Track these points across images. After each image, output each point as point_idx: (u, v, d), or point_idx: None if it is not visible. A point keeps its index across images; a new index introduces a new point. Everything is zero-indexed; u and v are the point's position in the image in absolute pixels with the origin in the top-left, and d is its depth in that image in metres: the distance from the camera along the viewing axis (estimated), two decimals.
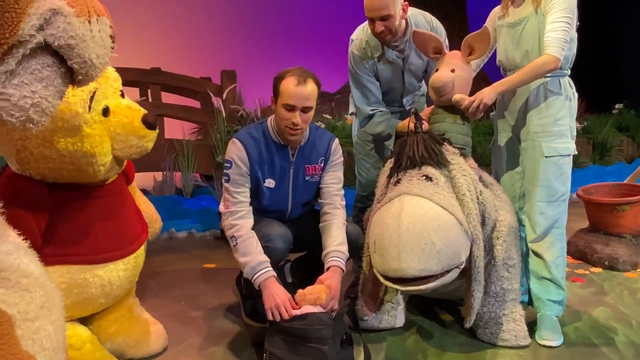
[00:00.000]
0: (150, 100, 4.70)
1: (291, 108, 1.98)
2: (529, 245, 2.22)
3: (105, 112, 1.68)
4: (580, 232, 3.30)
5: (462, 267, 1.79)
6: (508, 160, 2.37)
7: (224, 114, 4.47)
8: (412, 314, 2.35)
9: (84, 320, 1.88)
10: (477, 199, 1.93)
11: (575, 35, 2.12)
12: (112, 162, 1.73)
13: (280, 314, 1.81)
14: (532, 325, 2.15)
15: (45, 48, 1.03)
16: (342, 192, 2.21)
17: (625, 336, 2.13)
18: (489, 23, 2.32)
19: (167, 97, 5.03)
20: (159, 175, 4.64)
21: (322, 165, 2.18)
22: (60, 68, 1.06)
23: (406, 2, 2.28)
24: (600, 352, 2.00)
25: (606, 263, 3.01)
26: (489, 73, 2.71)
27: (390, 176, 2.00)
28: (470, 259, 1.84)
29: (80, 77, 1.10)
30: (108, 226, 1.78)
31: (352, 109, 2.76)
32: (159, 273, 3.00)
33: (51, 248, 1.63)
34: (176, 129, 4.85)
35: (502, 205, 2.16)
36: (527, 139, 2.21)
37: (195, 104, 5.19)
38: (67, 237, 1.68)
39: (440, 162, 1.92)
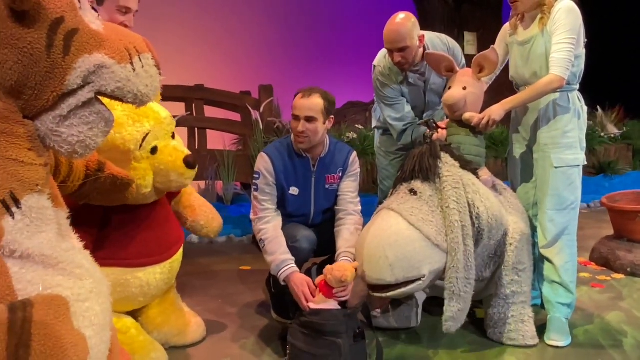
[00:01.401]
0: (194, 114, 5.05)
1: (296, 117, 2.24)
2: (540, 250, 2.34)
3: (154, 150, 1.91)
4: (605, 239, 3.35)
5: (424, 279, 1.97)
6: (522, 170, 2.50)
7: (261, 126, 4.75)
8: (429, 316, 2.50)
9: (136, 312, 2.16)
10: (476, 208, 2.05)
11: (582, 52, 2.24)
12: (152, 192, 1.96)
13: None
14: (544, 327, 2.27)
15: (95, 99, 1.24)
16: (358, 199, 2.42)
17: (634, 339, 2.22)
18: (500, 38, 2.46)
19: (211, 111, 5.38)
20: (202, 184, 4.97)
21: (340, 175, 2.40)
22: (104, 114, 1.28)
23: (422, 34, 2.46)
24: (606, 353, 2.11)
25: (628, 269, 3.06)
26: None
27: (393, 187, 2.21)
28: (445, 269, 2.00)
29: (136, 105, 1.33)
30: (148, 236, 2.03)
31: (374, 123, 2.95)
32: (200, 273, 3.29)
33: (100, 252, 1.87)
34: (218, 141, 5.18)
35: (515, 213, 2.29)
36: (538, 150, 2.34)
37: (236, 116, 5.50)
38: (114, 244, 1.95)
39: (429, 177, 2.09)
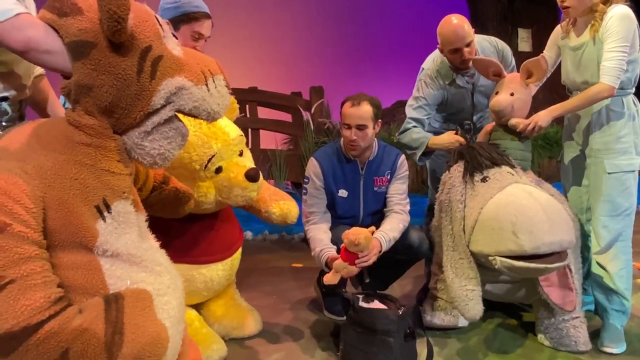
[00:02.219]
0: (248, 116, 5.24)
1: (348, 126, 2.32)
2: (594, 257, 2.32)
3: (218, 170, 1.99)
4: None
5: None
6: (574, 175, 2.48)
7: (312, 127, 4.88)
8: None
9: (199, 306, 2.32)
10: None
11: (638, 56, 2.19)
12: (213, 207, 2.07)
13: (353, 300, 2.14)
14: (599, 334, 2.25)
15: (174, 116, 1.38)
16: (406, 201, 2.48)
17: None
18: (552, 40, 2.43)
19: (264, 112, 5.56)
20: None
21: (388, 177, 2.47)
22: (182, 130, 1.41)
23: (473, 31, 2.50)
24: None
25: None
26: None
27: (471, 176, 2.22)
28: None
29: (208, 121, 1.47)
30: (211, 236, 2.16)
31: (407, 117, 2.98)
32: (254, 270, 3.44)
33: (169, 251, 2.02)
34: (270, 140, 5.36)
35: None
36: (591, 155, 2.32)
37: (288, 117, 5.67)
38: (181, 243, 2.08)
39: (512, 164, 2.20)
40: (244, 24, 7.50)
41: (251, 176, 1.98)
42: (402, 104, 7.26)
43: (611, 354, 2.16)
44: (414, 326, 2.07)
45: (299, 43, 7.84)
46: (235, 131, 2.06)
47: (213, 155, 1.95)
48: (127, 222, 1.35)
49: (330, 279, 2.12)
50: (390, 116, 6.69)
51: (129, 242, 1.34)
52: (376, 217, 2.53)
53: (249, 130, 5.13)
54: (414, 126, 2.63)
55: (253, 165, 2.07)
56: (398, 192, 2.49)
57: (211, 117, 1.42)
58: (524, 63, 2.32)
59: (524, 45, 6.91)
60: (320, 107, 5.16)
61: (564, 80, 2.39)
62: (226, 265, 2.23)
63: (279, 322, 2.58)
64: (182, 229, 2.10)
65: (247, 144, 5.02)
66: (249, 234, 4.24)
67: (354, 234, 2.06)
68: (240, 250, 2.35)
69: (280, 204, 2.28)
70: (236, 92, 5.44)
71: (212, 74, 1.40)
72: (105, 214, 1.28)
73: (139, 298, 1.26)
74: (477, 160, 2.19)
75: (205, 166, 1.96)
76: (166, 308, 1.33)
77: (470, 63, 2.51)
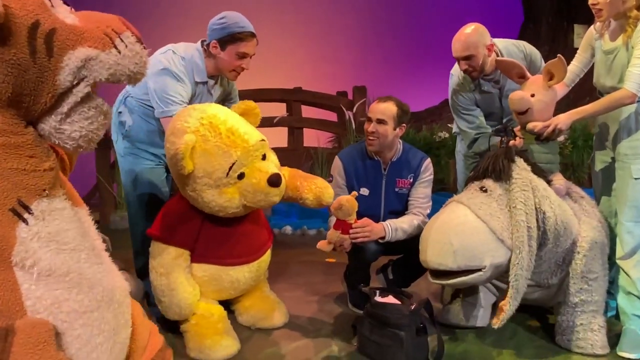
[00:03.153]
0: (292, 115, 5.43)
1: (369, 119, 2.47)
2: (617, 261, 2.30)
3: (241, 176, 2.07)
4: None
5: (485, 270, 2.02)
6: (605, 179, 2.47)
7: (353, 126, 4.99)
8: None
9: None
10: (542, 213, 2.09)
11: None
12: (240, 211, 2.15)
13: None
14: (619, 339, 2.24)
15: (92, 93, 1.25)
16: (427, 204, 2.55)
17: None
18: (587, 40, 2.44)
19: (310, 111, 5.74)
20: None
21: (411, 180, 2.55)
22: (102, 107, 1.29)
23: (491, 44, 2.51)
24: None
25: None
26: None
27: (465, 185, 2.32)
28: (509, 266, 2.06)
29: (131, 84, 1.32)
30: (238, 240, 2.29)
31: (455, 128, 3.04)
32: (289, 263, 3.61)
33: (199, 251, 2.22)
34: (314, 139, 5.53)
35: (588, 221, 2.29)
36: (619, 160, 2.31)
37: (333, 116, 5.81)
38: (211, 245, 2.24)
39: (501, 177, 2.16)
40: (290, 26, 7.73)
41: (273, 182, 2.07)
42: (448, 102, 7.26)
43: (629, 359, 2.15)
44: (427, 322, 2.15)
45: (344, 44, 7.98)
46: (254, 137, 2.12)
47: (234, 163, 2.03)
48: (60, 219, 1.28)
49: (322, 245, 2.34)
50: (437, 115, 6.69)
51: (64, 244, 1.26)
52: (396, 216, 2.62)
53: (293, 129, 5.32)
54: (476, 134, 2.71)
55: (276, 170, 2.14)
56: (420, 197, 2.57)
57: (132, 79, 1.30)
58: (545, 64, 2.33)
59: (580, 41, 6.66)
60: (362, 107, 5.25)
61: (595, 82, 2.38)
62: (252, 268, 2.35)
63: (304, 312, 2.72)
64: (211, 231, 2.23)
65: (292, 142, 5.27)
66: (288, 229, 4.43)
67: (337, 200, 2.23)
68: (268, 253, 2.45)
69: (312, 189, 2.28)
70: (282, 93, 5.75)
71: (117, 33, 1.26)
72: (26, 215, 1.21)
73: (33, 334, 1.16)
74: (482, 166, 2.23)
75: (227, 174, 2.04)
76: (97, 324, 1.29)
77: (479, 74, 2.55)
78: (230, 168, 2.04)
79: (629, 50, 2.15)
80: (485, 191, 2.17)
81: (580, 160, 5.16)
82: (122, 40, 1.25)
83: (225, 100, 2.68)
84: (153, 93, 2.32)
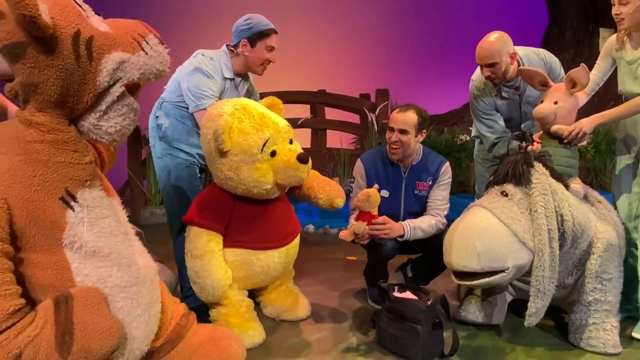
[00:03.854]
0: (316, 116, 5.57)
1: (391, 129, 2.58)
2: None
3: (273, 154, 2.24)
4: None
5: (508, 271, 2.10)
6: (625, 182, 2.55)
7: (375, 128, 5.10)
8: (514, 316, 2.65)
9: (257, 290, 2.63)
10: (563, 216, 2.18)
11: None
12: (273, 188, 2.29)
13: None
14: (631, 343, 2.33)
15: (124, 93, 1.41)
16: (444, 206, 2.65)
17: None
18: (606, 51, 2.51)
19: (334, 113, 5.87)
20: None
21: (430, 183, 2.65)
22: (133, 105, 1.45)
23: (514, 52, 2.60)
24: None
25: None
26: None
27: (485, 189, 2.40)
28: (531, 269, 2.14)
29: (158, 79, 1.48)
30: (268, 226, 2.42)
31: (474, 132, 3.12)
32: (311, 260, 3.75)
33: (231, 236, 2.36)
34: (337, 140, 5.66)
35: (605, 224, 2.35)
36: None
37: (356, 117, 5.93)
38: (241, 229, 2.38)
39: (521, 181, 2.24)
40: (315, 30, 7.88)
41: (302, 159, 2.25)
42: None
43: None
44: (442, 316, 2.25)
45: (367, 47, 8.10)
46: (283, 122, 2.31)
47: (267, 140, 2.21)
48: (100, 206, 1.44)
49: (344, 235, 2.49)
50: (459, 118, 6.73)
51: (101, 232, 1.42)
52: (415, 217, 2.72)
53: (317, 130, 5.46)
54: (496, 138, 2.81)
55: (301, 151, 2.33)
56: (438, 199, 2.67)
57: (158, 76, 1.47)
58: (568, 73, 2.40)
59: None
60: (385, 109, 5.37)
61: (621, 90, 2.46)
62: (282, 253, 2.47)
63: (326, 307, 2.85)
64: (241, 217, 2.38)
65: (315, 143, 5.40)
66: (310, 227, 4.57)
67: (364, 192, 2.43)
68: (296, 241, 2.58)
69: (327, 191, 2.49)
70: (305, 95, 5.91)
71: (142, 37, 1.43)
72: (72, 203, 1.38)
73: (89, 297, 1.35)
74: (502, 171, 2.31)
75: (262, 150, 2.21)
76: (135, 297, 1.46)
77: (502, 80, 2.64)
78: (265, 144, 2.21)
79: None
80: (506, 195, 2.25)
81: (602, 165, 5.16)
82: (148, 43, 1.43)
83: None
84: (187, 91, 2.54)
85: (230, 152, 2.20)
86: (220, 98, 2.60)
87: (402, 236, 2.58)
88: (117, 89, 1.40)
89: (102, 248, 1.42)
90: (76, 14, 1.35)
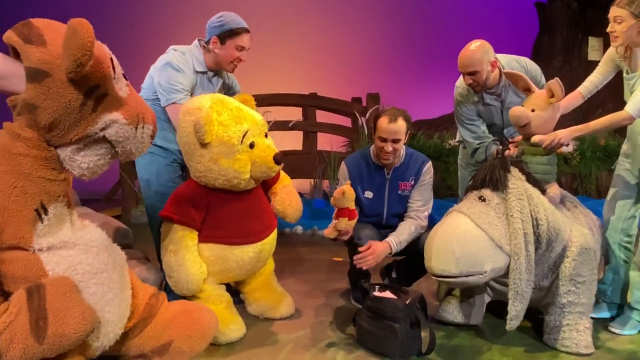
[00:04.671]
0: (307, 119, 5.63)
1: (384, 140, 2.59)
2: (635, 261, 2.54)
3: (252, 145, 2.32)
4: None
5: (486, 275, 2.16)
6: (622, 186, 2.65)
7: (365, 132, 5.16)
8: (492, 317, 2.71)
9: (240, 288, 2.67)
10: (538, 220, 2.24)
11: None
12: (249, 180, 2.37)
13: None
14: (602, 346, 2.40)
15: (105, 139, 1.53)
16: (425, 207, 2.71)
17: None
18: (609, 57, 2.57)
19: (326, 116, 5.93)
20: (311, 182, 5.54)
21: (412, 182, 2.72)
22: (111, 150, 1.57)
23: (494, 60, 2.66)
24: None
25: None
26: None
27: (464, 194, 2.47)
28: (508, 271, 2.20)
29: (122, 157, 1.63)
30: (243, 220, 2.47)
31: (458, 137, 3.19)
32: (298, 260, 3.80)
33: (206, 231, 2.41)
34: (327, 143, 5.72)
35: (580, 228, 2.42)
36: None
37: (347, 121, 6.00)
38: (216, 225, 2.41)
39: (498, 187, 2.29)
40: (308, 34, 7.96)
41: (278, 160, 2.37)
42: None
43: (614, 333, 2.46)
44: (420, 315, 2.31)
45: (359, 51, 8.19)
46: (259, 115, 2.42)
47: (246, 132, 2.29)
48: (60, 221, 1.55)
49: (329, 232, 2.57)
50: (449, 123, 6.80)
51: (61, 234, 1.53)
52: (400, 218, 2.79)
53: (308, 132, 5.52)
54: (478, 143, 2.88)
55: (277, 150, 2.41)
56: (418, 199, 2.73)
57: (125, 155, 1.62)
58: (547, 83, 2.46)
59: (595, 54, 6.73)
60: (375, 113, 5.43)
61: (625, 99, 2.52)
62: (256, 248, 2.51)
63: (309, 306, 2.90)
64: (216, 212, 2.42)
65: (307, 145, 5.46)
66: (299, 228, 4.62)
67: (338, 189, 2.50)
68: (273, 235, 2.61)
69: (285, 204, 2.66)
70: (297, 97, 5.97)
71: (144, 121, 1.60)
72: (43, 216, 1.48)
73: (60, 285, 1.42)
74: (480, 177, 2.37)
75: (241, 141, 2.29)
76: (107, 282, 1.55)
77: (483, 88, 2.71)
78: (244, 136, 2.29)
79: None
80: (484, 200, 2.31)
81: (588, 171, 5.25)
82: (143, 128, 1.59)
83: (227, 94, 2.89)
84: (158, 86, 2.60)
85: (210, 143, 2.26)
86: (193, 92, 2.66)
87: (390, 253, 2.64)
88: (99, 134, 1.51)
89: (67, 240, 1.53)
90: (106, 73, 1.47)
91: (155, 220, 2.72)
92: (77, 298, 1.46)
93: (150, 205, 2.80)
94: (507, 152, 2.53)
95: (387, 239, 2.60)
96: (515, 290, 2.18)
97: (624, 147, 2.65)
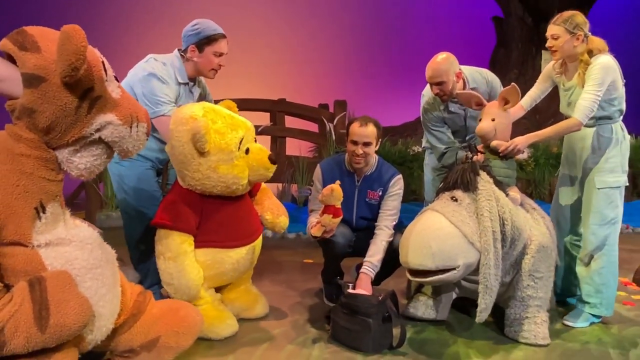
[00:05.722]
0: (276, 124, 5.71)
1: (355, 143, 2.73)
2: (580, 257, 2.75)
3: (247, 151, 2.39)
4: None
5: (459, 269, 2.30)
6: (565, 188, 2.88)
7: (333, 137, 5.29)
8: (458, 312, 2.88)
9: (218, 290, 2.70)
10: (504, 220, 2.40)
11: (622, 92, 2.62)
12: (247, 185, 2.46)
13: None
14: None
15: (101, 140, 1.60)
16: (394, 217, 2.85)
17: None
18: (546, 73, 2.82)
19: (295, 122, 6.02)
20: (279, 186, 5.61)
21: (380, 194, 2.85)
22: (107, 151, 1.63)
23: (459, 72, 2.85)
24: (609, 358, 2.36)
25: None
26: None
27: (435, 195, 2.61)
28: (479, 267, 2.35)
29: (121, 156, 1.70)
30: (237, 223, 2.54)
31: (424, 143, 3.36)
32: (271, 262, 3.87)
33: (201, 236, 2.45)
34: (296, 148, 5.82)
35: (538, 228, 2.61)
36: (584, 174, 2.73)
37: (314, 126, 6.12)
38: (211, 229, 2.46)
39: (469, 188, 2.45)
40: (277, 40, 8.06)
41: (273, 160, 2.47)
42: None
43: (568, 325, 2.70)
44: (392, 311, 2.43)
45: (329, 58, 8.37)
46: (248, 121, 2.49)
47: (242, 138, 2.37)
48: (56, 220, 1.61)
49: (314, 230, 2.63)
50: (413, 129, 7.04)
51: (57, 231, 1.60)
52: (368, 222, 2.93)
53: (276, 138, 5.60)
54: (445, 148, 3.04)
55: (269, 152, 2.52)
56: (388, 209, 2.86)
57: (123, 153, 1.69)
58: (500, 92, 2.66)
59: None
60: (343, 119, 5.57)
61: (561, 111, 2.78)
62: (249, 250, 2.60)
63: (283, 305, 2.99)
64: (211, 217, 2.47)
65: (275, 150, 5.54)
66: (268, 232, 4.68)
67: (327, 187, 2.58)
68: (260, 238, 2.71)
69: (275, 212, 2.76)
70: (265, 103, 6.02)
71: (138, 120, 1.66)
72: (42, 214, 1.55)
73: (60, 278, 1.50)
74: (452, 179, 2.53)
75: (239, 147, 2.36)
76: (101, 278, 1.62)
77: (449, 97, 2.88)
78: (240, 142, 2.36)
79: (583, 88, 2.55)
80: (456, 200, 2.45)
81: (541, 177, 5.56)
82: (137, 127, 1.64)
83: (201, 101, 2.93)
84: (142, 97, 2.55)
85: (208, 152, 2.29)
86: (175, 103, 2.65)
87: (371, 279, 2.75)
88: (95, 135, 1.57)
89: (64, 238, 1.58)
90: (98, 76, 1.52)
91: (135, 225, 2.73)
92: (75, 291, 1.51)
93: (130, 210, 2.77)
94: (475, 157, 2.71)
95: (363, 271, 2.72)
96: (485, 285, 2.33)
97: (563, 153, 2.90)
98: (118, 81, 1.66)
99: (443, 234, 2.30)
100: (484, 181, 2.48)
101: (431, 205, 2.50)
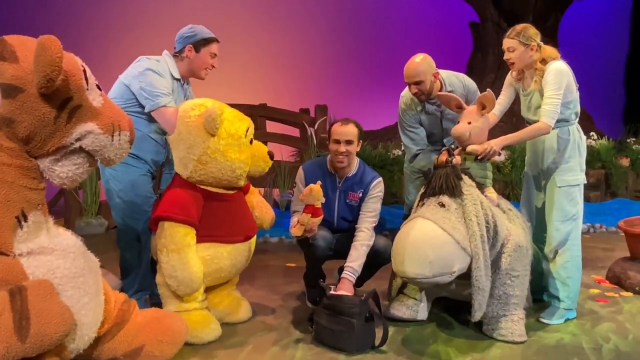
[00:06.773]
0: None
1: (337, 141, 2.79)
2: (546, 253, 2.86)
3: (251, 141, 2.57)
4: (620, 260, 3.60)
5: (454, 274, 2.34)
6: (531, 188, 3.01)
7: (314, 141, 5.34)
8: (438, 312, 2.94)
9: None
10: (487, 222, 2.46)
11: (576, 96, 2.76)
12: (245, 175, 2.57)
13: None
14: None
15: (82, 150, 1.61)
16: (374, 219, 2.90)
17: (614, 345, 2.52)
18: (508, 83, 2.97)
19: (276, 126, 6.06)
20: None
21: (360, 195, 2.91)
22: (89, 159, 1.65)
23: (437, 72, 2.93)
24: (583, 353, 2.44)
25: (637, 288, 3.31)
26: None
27: (419, 200, 2.65)
28: (470, 270, 2.41)
29: (104, 164, 1.73)
30: (236, 219, 2.61)
31: (403, 146, 3.43)
32: (252, 267, 3.81)
33: (202, 231, 2.49)
34: (277, 152, 5.83)
35: (514, 228, 2.69)
36: (545, 173, 2.86)
37: (295, 131, 6.16)
38: (212, 225, 2.50)
39: (455, 193, 2.49)
40: (258, 45, 8.10)
41: (271, 155, 2.66)
42: None
43: (544, 322, 2.77)
44: (374, 311, 2.48)
45: (310, 64, 8.44)
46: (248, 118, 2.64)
47: (248, 128, 2.54)
48: (38, 228, 1.61)
49: (294, 230, 2.68)
50: (393, 133, 7.12)
51: (40, 239, 1.60)
52: (349, 223, 2.98)
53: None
54: (417, 150, 3.12)
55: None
56: (368, 211, 2.91)
57: (105, 162, 1.70)
58: (478, 97, 2.75)
59: None
60: (323, 124, 5.64)
61: (523, 115, 2.92)
62: (246, 247, 2.66)
63: (266, 309, 3.02)
64: (211, 214, 2.52)
65: None
66: None
67: (308, 187, 2.64)
68: (255, 236, 2.77)
69: (263, 211, 2.87)
70: (248, 108, 6.06)
71: (120, 128, 1.67)
72: (23, 223, 1.55)
73: (41, 287, 1.50)
74: (436, 184, 2.57)
75: (245, 135, 2.51)
76: (83, 287, 1.62)
77: (427, 97, 2.97)
78: (247, 130, 2.52)
79: (540, 93, 2.72)
80: (443, 206, 2.47)
81: (518, 179, 5.69)
82: (119, 135, 1.64)
83: None
84: (141, 92, 2.62)
85: (218, 135, 2.38)
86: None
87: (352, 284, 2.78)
88: (76, 145, 1.57)
89: (46, 246, 1.58)
90: (78, 85, 1.52)
91: (128, 229, 2.74)
92: (56, 300, 1.51)
93: (122, 216, 2.77)
94: (454, 160, 2.78)
95: (344, 275, 2.76)
96: (477, 286, 2.40)
97: (527, 155, 3.03)
98: (101, 90, 1.65)
99: (439, 243, 2.32)
100: (468, 185, 2.54)
101: (420, 212, 2.49)
